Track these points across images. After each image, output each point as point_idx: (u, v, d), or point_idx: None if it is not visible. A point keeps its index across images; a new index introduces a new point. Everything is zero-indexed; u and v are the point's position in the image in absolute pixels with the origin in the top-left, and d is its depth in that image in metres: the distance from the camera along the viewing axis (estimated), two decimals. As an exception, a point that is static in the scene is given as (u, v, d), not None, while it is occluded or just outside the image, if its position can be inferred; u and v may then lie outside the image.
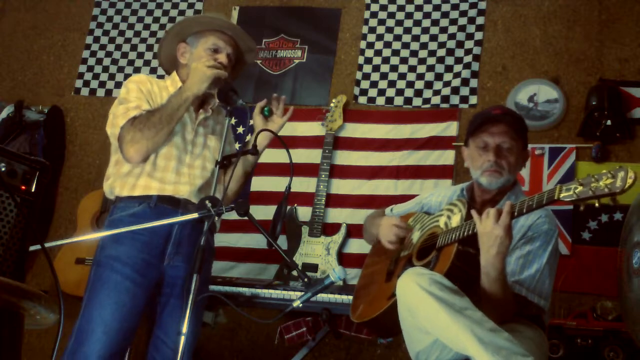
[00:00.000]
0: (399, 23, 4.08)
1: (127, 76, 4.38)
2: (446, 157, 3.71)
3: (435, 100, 3.85)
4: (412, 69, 3.96)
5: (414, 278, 1.99)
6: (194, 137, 2.47)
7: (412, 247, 2.35)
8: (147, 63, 4.41)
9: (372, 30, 4.11)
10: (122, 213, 2.34)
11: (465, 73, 3.82)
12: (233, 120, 3.93)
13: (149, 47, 4.44)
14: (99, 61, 4.48)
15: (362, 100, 3.98)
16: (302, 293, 2.01)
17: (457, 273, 2.03)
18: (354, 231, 3.65)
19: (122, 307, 2.21)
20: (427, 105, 3.87)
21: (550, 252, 2.18)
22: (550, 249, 2.19)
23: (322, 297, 2.84)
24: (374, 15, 4.13)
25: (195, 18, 2.54)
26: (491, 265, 1.98)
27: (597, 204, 1.73)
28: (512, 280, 2.11)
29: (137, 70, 4.40)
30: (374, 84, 3.99)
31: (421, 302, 1.94)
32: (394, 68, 3.99)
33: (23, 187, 1.81)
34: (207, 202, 2.05)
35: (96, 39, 4.53)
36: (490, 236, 1.95)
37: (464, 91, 3.80)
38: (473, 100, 3.78)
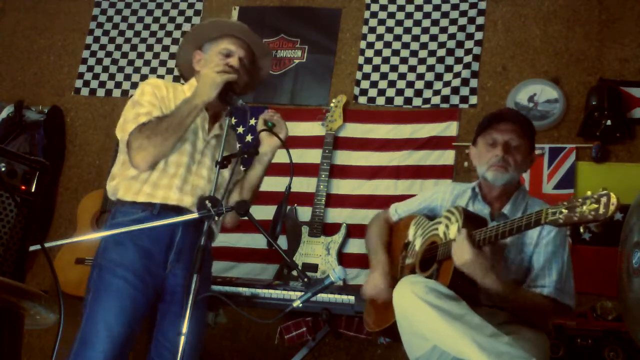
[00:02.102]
0: (399, 23, 4.08)
1: (127, 76, 4.39)
2: (446, 157, 3.71)
3: (435, 100, 3.85)
4: (412, 69, 3.96)
5: (410, 287, 2.01)
6: (204, 147, 2.44)
7: (415, 256, 2.37)
8: (147, 63, 4.41)
9: (372, 30, 4.11)
10: (125, 218, 2.31)
11: (465, 73, 3.82)
12: (233, 120, 3.93)
13: (149, 47, 4.44)
14: (99, 61, 4.48)
15: (362, 100, 3.98)
16: (302, 293, 2.01)
17: (458, 285, 2.05)
18: (354, 231, 3.65)
19: (126, 312, 2.20)
20: (427, 105, 3.86)
21: (568, 248, 2.23)
22: (567, 245, 2.24)
23: (322, 297, 2.84)
24: (374, 15, 4.13)
25: (207, 24, 2.52)
26: (490, 285, 2.03)
27: (582, 230, 1.77)
28: (547, 286, 2.15)
29: (137, 70, 4.40)
30: (374, 84, 3.99)
31: (418, 310, 1.95)
32: (394, 68, 3.99)
33: (23, 187, 1.81)
34: (207, 202, 2.04)
35: (96, 39, 4.53)
36: (467, 265, 2.00)
37: (464, 91, 3.80)
38: (473, 100, 3.78)
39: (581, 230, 1.78)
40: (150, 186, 2.33)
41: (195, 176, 2.40)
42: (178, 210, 2.33)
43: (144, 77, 4.34)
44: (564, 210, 1.78)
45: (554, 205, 1.83)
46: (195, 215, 2.08)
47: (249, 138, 3.98)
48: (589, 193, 1.74)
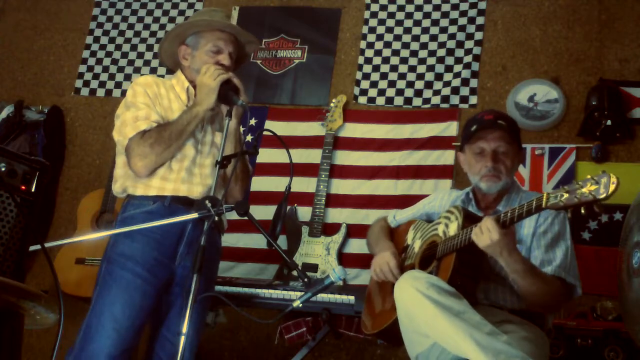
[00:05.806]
0: (399, 23, 4.08)
1: (127, 76, 4.39)
2: (446, 157, 3.71)
3: (435, 100, 3.85)
4: (412, 69, 3.96)
5: (412, 282, 2.01)
6: (203, 135, 2.47)
7: (414, 257, 2.37)
8: (147, 63, 4.41)
9: (372, 30, 4.11)
10: (136, 210, 2.34)
11: (465, 73, 3.82)
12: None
13: (149, 47, 4.44)
14: (99, 61, 4.48)
15: (362, 100, 3.98)
16: (302, 293, 2.01)
17: (457, 282, 2.06)
18: (354, 231, 3.65)
19: (133, 305, 2.22)
20: (427, 105, 3.87)
21: (569, 231, 2.25)
22: (568, 228, 2.25)
23: (322, 297, 2.84)
24: (374, 15, 4.13)
25: (193, 22, 2.53)
26: (513, 263, 2.03)
27: (583, 211, 1.76)
28: (552, 266, 2.16)
29: (137, 70, 4.40)
30: (374, 84, 3.99)
31: (419, 306, 1.95)
32: (394, 68, 3.99)
33: (23, 187, 1.81)
34: (207, 202, 2.05)
35: (96, 39, 4.53)
36: (494, 246, 1.99)
37: (464, 91, 3.80)
38: (473, 100, 3.78)
39: (582, 211, 1.76)
40: (159, 180, 2.36)
41: (200, 166, 2.43)
42: (189, 201, 2.35)
43: (144, 77, 4.34)
44: (564, 194, 1.79)
45: (555, 190, 1.84)
46: (195, 215, 2.08)
47: (249, 138, 3.98)
48: (588, 176, 1.75)
